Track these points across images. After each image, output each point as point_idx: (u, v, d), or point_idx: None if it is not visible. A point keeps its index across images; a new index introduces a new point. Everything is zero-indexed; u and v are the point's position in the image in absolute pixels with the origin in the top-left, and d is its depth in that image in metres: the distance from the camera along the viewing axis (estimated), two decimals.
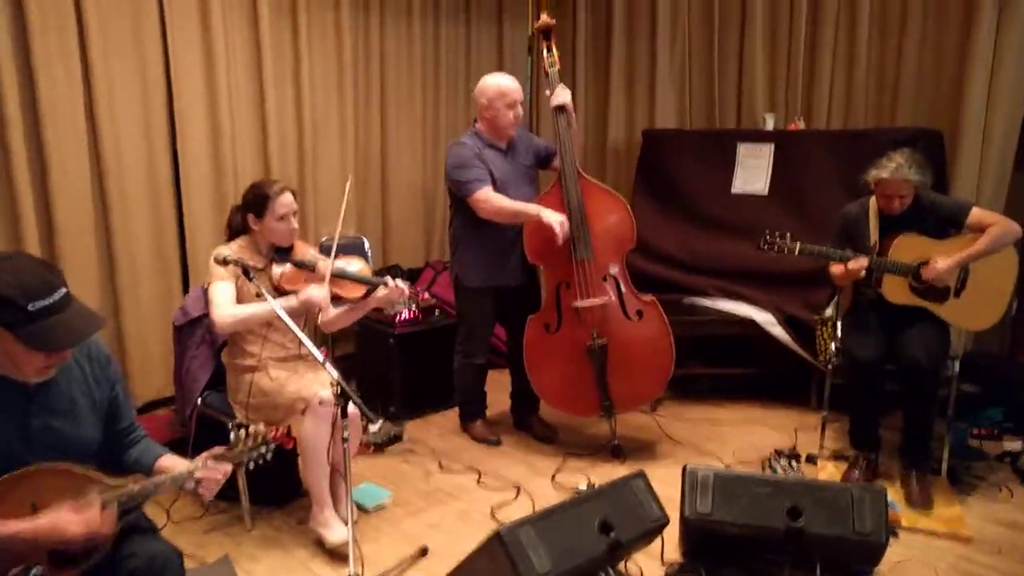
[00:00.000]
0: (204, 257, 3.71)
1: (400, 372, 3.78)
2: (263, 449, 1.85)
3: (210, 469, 1.73)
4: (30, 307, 1.45)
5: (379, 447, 3.50)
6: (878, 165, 2.92)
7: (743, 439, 3.57)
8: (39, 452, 1.59)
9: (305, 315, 2.71)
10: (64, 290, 1.52)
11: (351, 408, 2.27)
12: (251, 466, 1.84)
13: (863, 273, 2.95)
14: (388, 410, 3.80)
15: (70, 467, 1.60)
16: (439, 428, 3.76)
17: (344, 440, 2.19)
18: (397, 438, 3.59)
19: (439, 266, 4.69)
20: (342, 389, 2.11)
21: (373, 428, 3.61)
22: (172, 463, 1.78)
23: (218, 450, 1.80)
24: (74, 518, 1.53)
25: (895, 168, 2.86)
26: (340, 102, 4.29)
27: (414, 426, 3.76)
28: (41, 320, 1.47)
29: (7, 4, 3.10)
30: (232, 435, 1.84)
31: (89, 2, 3.27)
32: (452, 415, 3.80)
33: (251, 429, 1.85)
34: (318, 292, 2.56)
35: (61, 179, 3.30)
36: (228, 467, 1.77)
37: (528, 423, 3.65)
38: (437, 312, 3.98)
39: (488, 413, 3.71)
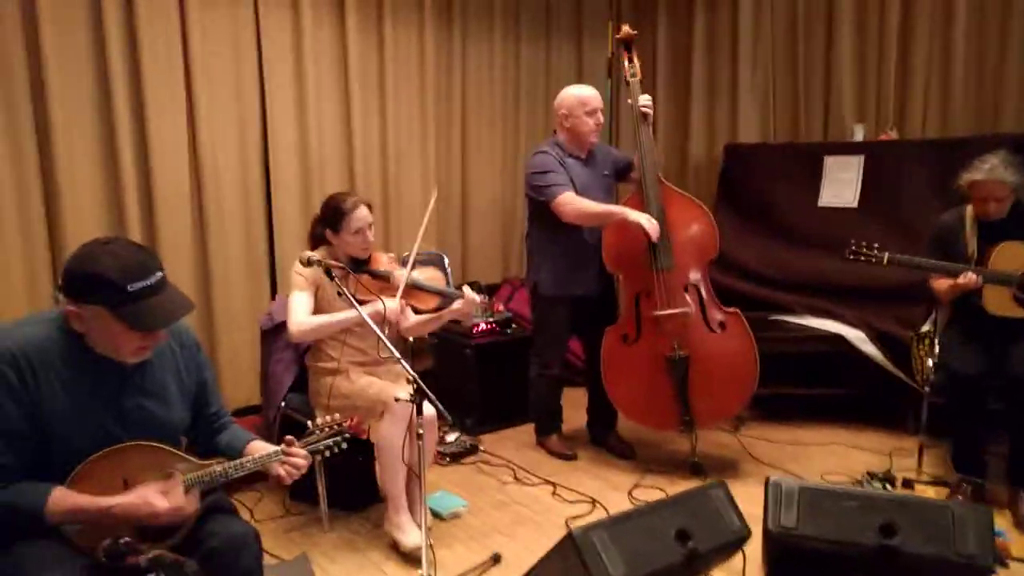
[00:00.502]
0: (291, 267, 3.86)
1: (477, 383, 3.80)
2: (339, 438, 1.88)
3: (292, 453, 1.77)
4: (129, 287, 1.53)
5: (455, 458, 3.51)
6: (971, 168, 2.81)
7: (832, 461, 3.40)
8: (131, 431, 1.67)
9: (383, 324, 2.75)
10: (160, 273, 1.60)
11: (427, 408, 2.29)
12: (327, 454, 1.87)
13: (977, 284, 2.78)
14: (464, 422, 3.82)
15: (160, 446, 1.67)
16: (515, 442, 3.74)
17: (419, 437, 2.20)
18: (473, 449, 3.59)
19: (516, 283, 4.71)
20: (418, 386, 2.13)
21: (449, 439, 3.64)
22: (261, 447, 1.83)
23: (295, 440, 1.83)
24: (161, 497, 1.59)
25: (989, 169, 2.73)
26: (423, 121, 4.40)
27: (490, 439, 3.76)
28: (139, 300, 1.55)
29: (124, 44, 3.34)
30: (309, 423, 1.88)
31: (194, 34, 3.49)
32: (528, 429, 3.78)
33: (327, 418, 1.89)
34: (390, 305, 2.56)
35: (164, 194, 3.50)
36: (305, 454, 1.80)
37: (605, 439, 3.59)
38: (513, 325, 3.98)
39: (564, 429, 3.67)
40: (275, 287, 3.93)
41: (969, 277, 2.76)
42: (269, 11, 3.73)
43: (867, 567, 2.14)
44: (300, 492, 3.08)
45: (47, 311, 1.67)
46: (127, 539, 1.47)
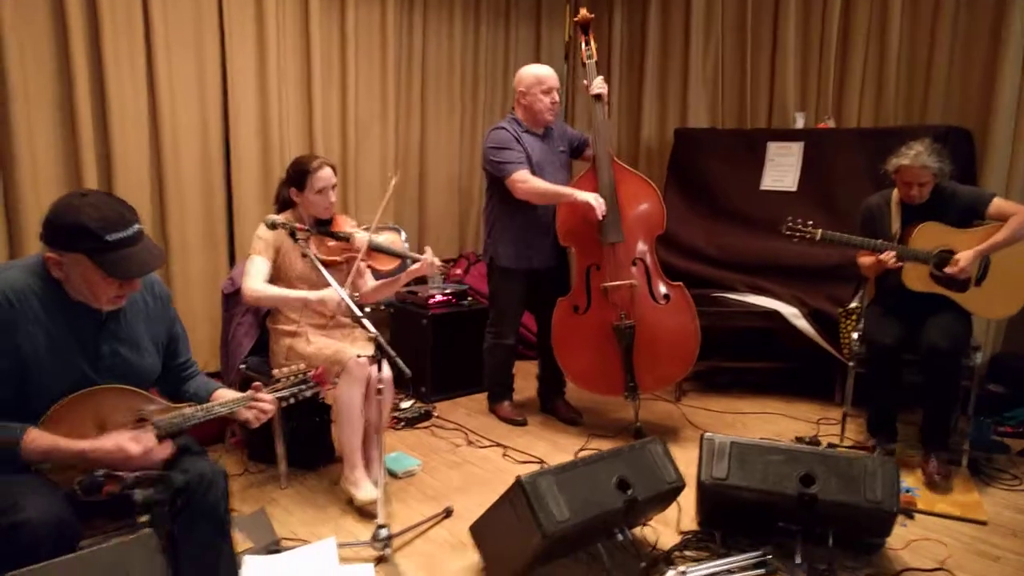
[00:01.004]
0: (250, 236, 3.92)
1: (432, 353, 3.92)
2: (303, 386, 1.99)
3: (259, 398, 1.88)
4: (108, 237, 1.62)
5: (410, 423, 3.64)
6: (898, 153, 3.01)
7: (765, 428, 3.63)
8: (105, 375, 1.75)
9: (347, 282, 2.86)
10: (138, 226, 1.69)
11: (385, 367, 2.41)
12: (291, 401, 1.98)
13: (893, 263, 3.00)
14: (420, 390, 3.95)
15: (132, 388, 1.76)
16: (467, 409, 3.89)
17: (378, 393, 2.32)
18: (427, 415, 3.73)
19: (472, 257, 4.84)
20: (378, 344, 2.25)
21: (404, 405, 3.77)
22: (227, 394, 1.93)
23: (262, 386, 1.94)
24: (133, 443, 1.68)
25: (915, 155, 2.94)
26: (383, 98, 4.48)
27: (444, 407, 3.90)
28: (117, 250, 1.64)
29: (84, 10, 3.34)
30: (275, 371, 1.99)
31: (155, 3, 3.51)
32: (481, 398, 3.93)
33: (293, 367, 2.00)
34: (332, 296, 2.57)
35: (123, 162, 3.53)
36: (272, 399, 1.91)
37: (554, 406, 3.76)
38: (469, 298, 4.12)
39: (515, 398, 3.83)
40: (234, 256, 3.98)
41: (889, 254, 2.99)
42: None
43: (790, 513, 2.35)
44: (259, 452, 3.18)
45: (26, 257, 1.74)
46: (103, 471, 1.56)
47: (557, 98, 3.41)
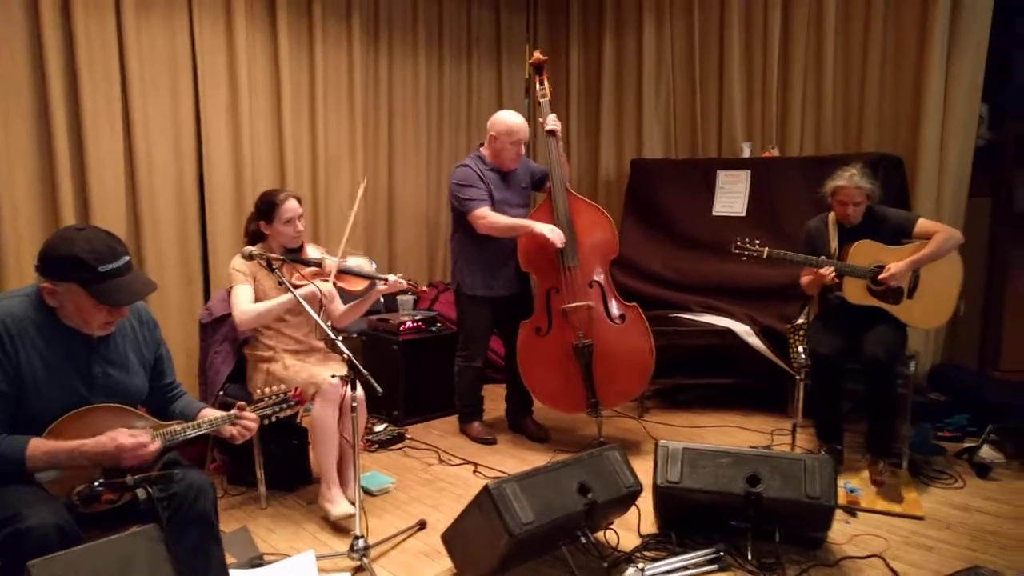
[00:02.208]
0: (224, 269, 4.06)
1: (404, 378, 4.07)
2: (284, 405, 2.14)
3: (243, 417, 2.02)
4: (100, 268, 1.77)
5: (383, 445, 3.77)
6: (834, 176, 3.29)
7: (723, 440, 3.82)
8: (98, 395, 1.89)
9: (319, 307, 3.01)
10: (127, 258, 1.84)
11: (359, 386, 2.56)
12: (274, 419, 2.13)
13: (832, 277, 3.23)
14: (392, 414, 4.08)
15: (124, 407, 1.90)
16: (439, 430, 4.03)
17: (352, 410, 2.47)
18: (400, 438, 3.86)
19: (441, 286, 5.01)
20: (351, 363, 2.41)
21: (378, 428, 3.90)
22: (212, 413, 2.07)
23: (246, 405, 2.09)
24: (126, 434, 1.81)
25: (849, 176, 3.22)
26: (351, 134, 4.68)
27: (415, 429, 4.04)
28: (108, 280, 1.79)
29: (61, 52, 3.50)
30: (258, 391, 2.14)
31: (131, 45, 3.68)
32: (451, 421, 4.08)
33: (274, 388, 2.15)
34: (324, 287, 2.87)
35: (100, 199, 3.68)
36: (255, 417, 2.06)
37: (522, 424, 3.93)
38: (438, 324, 4.28)
39: (485, 418, 3.98)
40: (208, 288, 4.11)
41: (828, 269, 3.22)
42: (204, 25, 3.97)
43: (739, 511, 2.54)
44: (238, 476, 3.29)
45: (22, 287, 1.88)
46: (102, 480, 1.69)
47: (523, 150, 3.64)
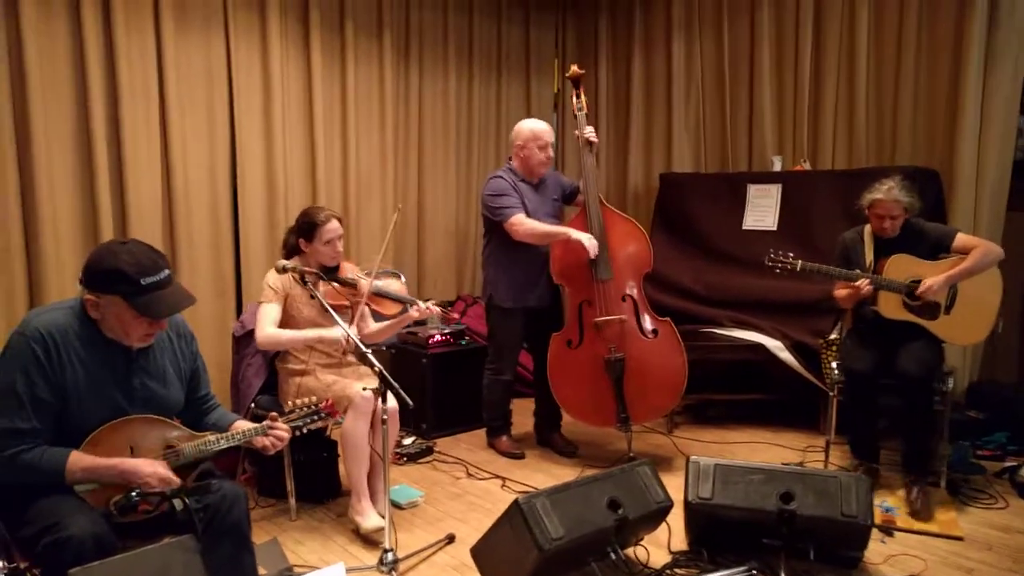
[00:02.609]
0: (257, 283, 4.13)
1: (432, 391, 4.08)
2: (315, 416, 2.16)
3: (275, 427, 2.05)
4: (142, 281, 1.82)
5: (412, 458, 3.78)
6: (872, 188, 3.24)
7: (754, 457, 3.77)
8: (136, 406, 1.93)
9: (351, 322, 3.04)
10: (168, 271, 1.88)
11: (390, 399, 2.58)
12: (305, 430, 2.15)
13: (867, 290, 3.18)
14: (420, 427, 4.10)
15: (161, 418, 1.94)
16: (467, 444, 4.03)
17: (384, 423, 2.49)
18: (428, 451, 3.87)
19: (469, 299, 5.04)
20: (383, 376, 2.43)
21: (407, 442, 3.91)
22: (245, 425, 2.10)
23: (278, 416, 2.11)
24: (148, 466, 1.84)
25: (887, 189, 3.16)
26: (382, 150, 4.74)
27: (444, 442, 4.05)
28: (150, 292, 1.83)
29: (103, 71, 3.61)
30: (290, 403, 2.16)
31: (169, 64, 3.78)
32: (479, 434, 4.08)
33: (305, 399, 2.17)
34: (336, 334, 2.80)
35: (137, 214, 3.78)
36: (288, 427, 2.08)
37: (551, 439, 3.91)
38: (466, 337, 4.29)
39: (513, 432, 3.97)
40: (240, 301, 4.17)
41: (864, 281, 3.18)
42: (239, 43, 4.06)
43: (772, 529, 2.50)
44: (268, 488, 3.32)
45: (66, 300, 1.93)
46: (139, 490, 1.72)
47: (552, 153, 3.65)
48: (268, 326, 2.92)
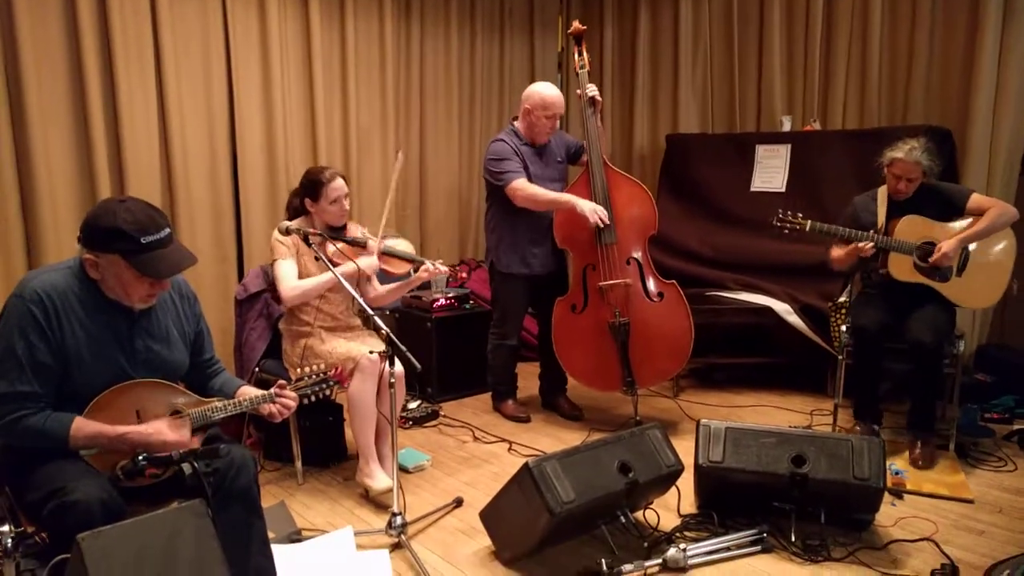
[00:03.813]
0: (258, 246, 4.07)
1: (437, 355, 4.05)
2: (324, 385, 2.12)
3: (282, 395, 2.01)
4: (142, 239, 1.75)
5: (417, 422, 3.76)
6: (894, 147, 3.15)
7: (760, 420, 3.75)
8: (139, 369, 1.88)
9: (356, 285, 3.00)
10: (168, 230, 1.82)
11: (397, 363, 2.54)
12: (313, 398, 2.11)
13: (870, 251, 3.13)
14: (426, 391, 4.07)
15: (167, 382, 1.89)
16: (472, 408, 4.01)
17: (391, 387, 2.45)
18: (434, 415, 3.85)
19: (473, 263, 4.98)
20: (389, 338, 2.38)
21: (412, 405, 3.89)
22: (250, 390, 2.06)
23: (286, 384, 2.07)
24: (170, 430, 1.82)
25: (909, 150, 3.09)
26: (383, 110, 4.63)
27: (449, 406, 4.03)
28: (150, 251, 1.77)
29: (97, 35, 3.50)
30: (299, 370, 2.12)
31: (164, 26, 3.66)
32: (484, 398, 4.06)
33: (314, 366, 2.13)
34: (370, 262, 2.90)
35: (136, 179, 3.68)
36: (295, 396, 2.04)
37: (556, 402, 3.89)
38: (471, 301, 4.25)
39: (518, 396, 3.95)
40: (242, 264, 4.11)
41: (867, 244, 3.12)
42: (236, 3, 3.92)
43: (783, 492, 2.48)
44: (274, 452, 3.30)
45: (65, 260, 1.87)
46: (145, 454, 1.69)
47: (558, 123, 3.56)
48: (291, 280, 2.88)
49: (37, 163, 3.39)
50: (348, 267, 2.85)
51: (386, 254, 3.00)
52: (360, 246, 2.96)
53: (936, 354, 3.07)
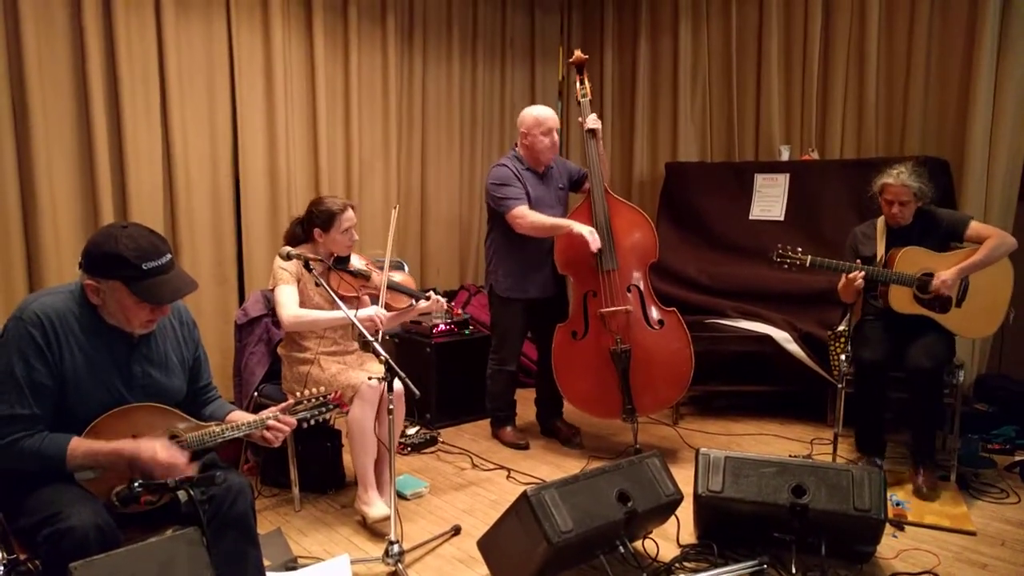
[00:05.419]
0: (259, 270, 4.08)
1: (436, 381, 4.04)
2: (323, 409, 2.11)
3: (280, 419, 2.00)
4: (143, 266, 1.76)
5: (416, 448, 3.75)
6: (882, 173, 3.21)
7: (760, 449, 3.73)
8: (137, 394, 1.88)
9: (375, 332, 3.00)
10: (170, 256, 1.83)
11: (396, 385, 2.54)
12: (312, 422, 2.10)
13: (860, 282, 3.14)
14: (424, 417, 4.06)
15: (164, 407, 1.89)
16: (471, 434, 3.99)
17: (389, 412, 2.45)
18: (432, 441, 3.83)
19: (473, 288, 4.98)
20: (388, 364, 2.38)
21: (410, 431, 3.87)
22: (241, 416, 2.05)
23: (285, 405, 2.07)
24: (165, 452, 1.80)
25: (896, 174, 3.14)
26: (385, 137, 4.67)
27: (448, 433, 4.01)
28: (151, 277, 1.77)
29: (102, 57, 3.53)
30: (298, 394, 2.11)
31: (170, 49, 3.71)
32: (484, 424, 4.04)
33: (313, 390, 2.12)
34: (380, 313, 2.88)
35: (138, 201, 3.71)
36: (293, 421, 2.04)
37: (552, 424, 3.89)
38: (470, 327, 4.25)
39: (516, 422, 3.93)
40: (243, 287, 4.12)
41: (856, 273, 3.13)
42: (241, 26, 3.98)
43: (783, 523, 2.46)
44: (271, 478, 3.28)
45: (66, 284, 1.88)
46: (141, 481, 1.68)
47: (556, 139, 3.58)
48: (292, 307, 2.87)
49: (40, 185, 3.41)
50: (368, 312, 2.84)
51: (390, 288, 3.01)
52: (364, 278, 2.98)
53: (935, 380, 3.07)
